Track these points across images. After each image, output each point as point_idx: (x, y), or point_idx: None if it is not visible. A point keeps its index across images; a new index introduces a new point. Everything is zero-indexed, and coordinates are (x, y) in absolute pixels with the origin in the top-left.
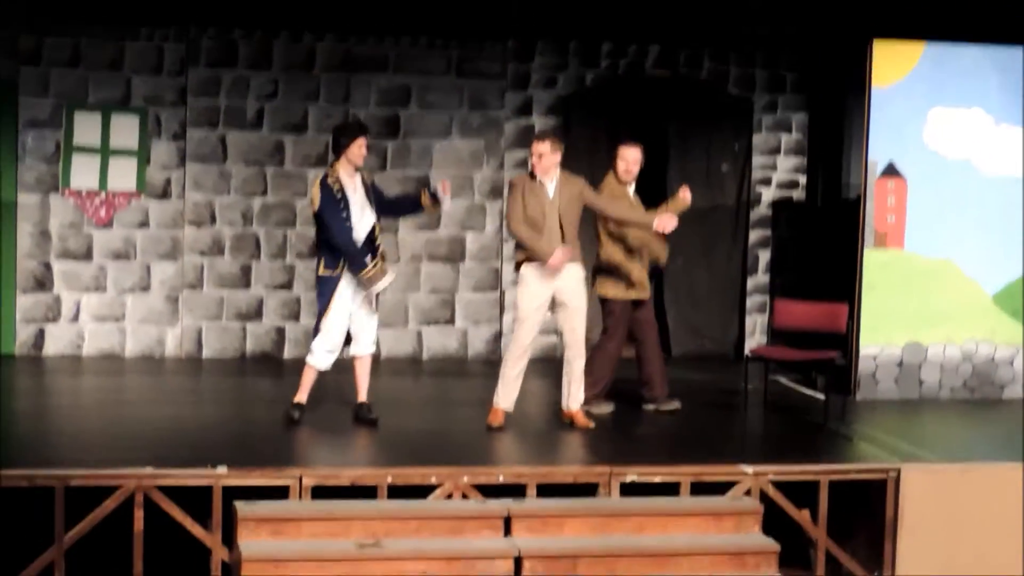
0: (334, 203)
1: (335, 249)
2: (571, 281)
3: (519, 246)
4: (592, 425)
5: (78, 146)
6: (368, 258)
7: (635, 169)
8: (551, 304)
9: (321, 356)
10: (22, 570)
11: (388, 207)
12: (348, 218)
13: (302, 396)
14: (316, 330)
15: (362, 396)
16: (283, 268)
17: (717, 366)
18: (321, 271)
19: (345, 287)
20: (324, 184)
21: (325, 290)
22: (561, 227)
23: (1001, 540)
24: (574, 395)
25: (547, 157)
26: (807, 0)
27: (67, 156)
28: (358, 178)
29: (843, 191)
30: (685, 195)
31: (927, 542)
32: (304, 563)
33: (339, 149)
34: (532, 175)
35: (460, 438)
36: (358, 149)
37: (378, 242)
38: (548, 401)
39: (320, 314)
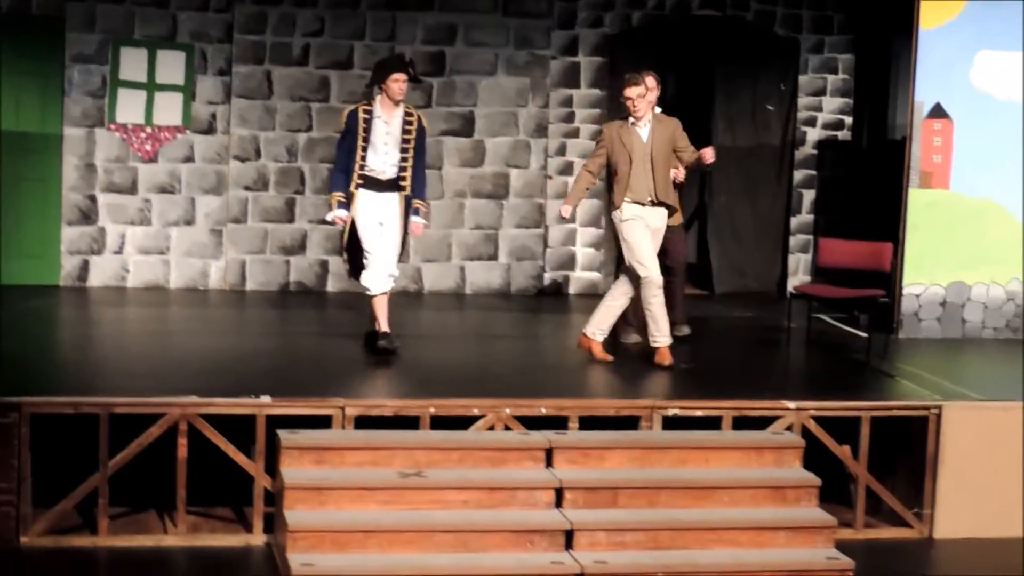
0: (352, 131)
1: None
2: (658, 221)
3: (611, 187)
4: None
5: (124, 81)
6: (373, 190)
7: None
8: None
9: (376, 281)
10: (67, 495)
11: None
12: (365, 148)
13: (383, 325)
14: (352, 263)
15: (383, 326)
16: (327, 202)
17: (760, 304)
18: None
19: (364, 207)
20: (351, 113)
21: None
22: (653, 168)
23: None
24: (663, 329)
25: (644, 98)
26: None
27: (113, 91)
28: (398, 114)
29: (889, 132)
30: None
31: (967, 479)
32: (346, 491)
33: (376, 83)
34: (624, 118)
35: (502, 371)
36: (394, 84)
37: (404, 181)
38: None
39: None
